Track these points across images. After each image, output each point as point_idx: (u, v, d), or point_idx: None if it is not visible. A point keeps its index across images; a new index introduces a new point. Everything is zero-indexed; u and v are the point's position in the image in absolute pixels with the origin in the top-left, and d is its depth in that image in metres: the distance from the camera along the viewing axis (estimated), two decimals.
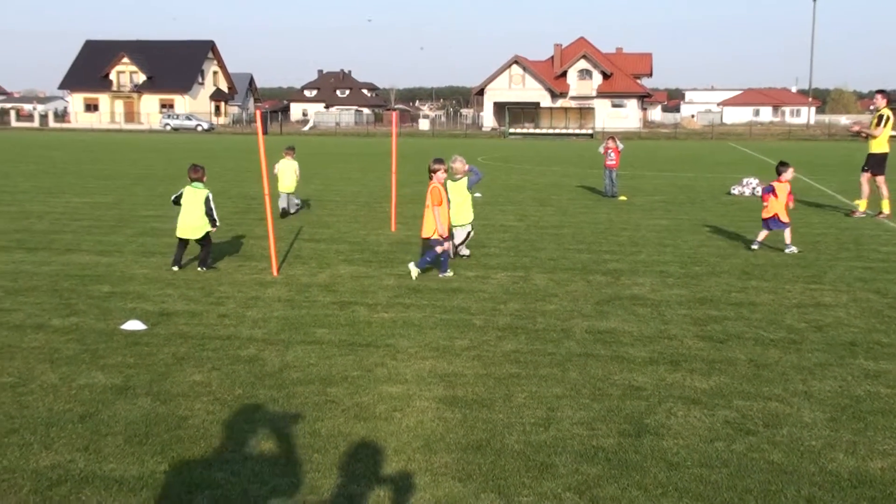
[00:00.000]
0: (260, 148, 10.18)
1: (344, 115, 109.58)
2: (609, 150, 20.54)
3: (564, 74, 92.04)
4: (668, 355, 7.00)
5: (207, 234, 10.49)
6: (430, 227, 10.16)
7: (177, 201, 10.59)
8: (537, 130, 74.41)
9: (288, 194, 16.24)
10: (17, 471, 4.67)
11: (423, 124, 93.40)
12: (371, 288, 9.51)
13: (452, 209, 10.94)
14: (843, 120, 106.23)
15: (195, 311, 8.34)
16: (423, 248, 10.52)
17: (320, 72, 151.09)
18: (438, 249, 10.12)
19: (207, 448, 5.00)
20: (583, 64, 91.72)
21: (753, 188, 20.94)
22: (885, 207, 16.40)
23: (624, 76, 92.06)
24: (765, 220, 12.42)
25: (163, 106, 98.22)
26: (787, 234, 12.28)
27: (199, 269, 10.46)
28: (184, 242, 10.50)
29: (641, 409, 5.73)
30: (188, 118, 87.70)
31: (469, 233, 11.54)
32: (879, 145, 16.55)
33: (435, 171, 10.39)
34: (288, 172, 16.21)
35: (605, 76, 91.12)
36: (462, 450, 5.01)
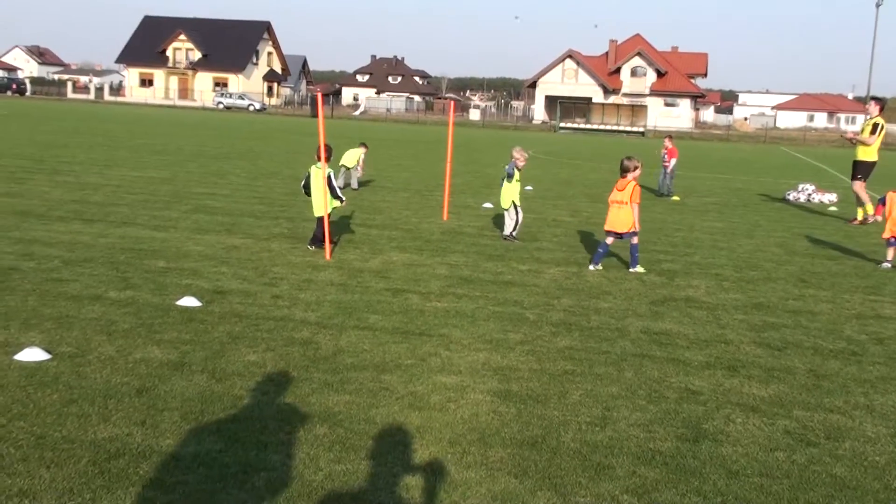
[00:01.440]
0: (320, 129, 10.19)
1: (395, 102, 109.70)
2: (664, 150, 20.42)
3: (618, 71, 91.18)
4: (725, 360, 6.88)
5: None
6: (630, 222, 10.28)
7: (305, 187, 10.87)
8: (588, 126, 73.82)
9: (347, 169, 18.11)
10: (76, 441, 4.72)
11: (474, 114, 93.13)
12: (423, 276, 9.48)
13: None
14: None
15: (249, 291, 8.39)
16: (625, 244, 10.71)
17: (373, 57, 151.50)
18: (635, 241, 10.44)
19: (263, 429, 5.01)
20: (637, 61, 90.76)
21: (809, 194, 20.55)
22: (860, 215, 16.40)
23: (678, 75, 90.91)
24: (887, 239, 11.65)
25: (216, 84, 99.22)
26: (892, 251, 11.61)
27: (308, 246, 10.69)
28: (320, 220, 10.60)
29: (699, 414, 5.63)
30: (241, 97, 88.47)
31: (515, 220, 12.31)
32: (870, 154, 16.38)
33: (634, 170, 10.33)
34: (354, 154, 18.28)
35: (660, 74, 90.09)
36: (517, 445, 4.96)
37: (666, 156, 20.38)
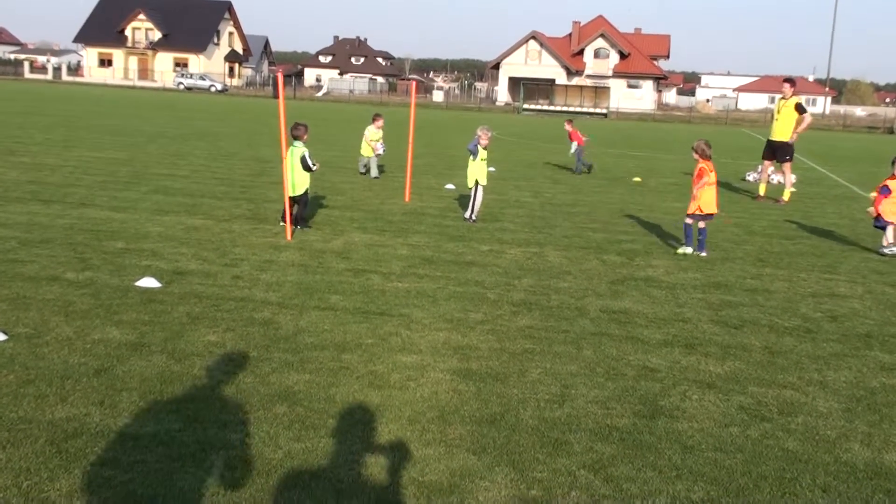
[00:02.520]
0: (280, 110, 10.12)
1: (358, 83, 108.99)
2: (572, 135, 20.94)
3: (581, 52, 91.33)
4: (683, 338, 6.98)
5: (306, 192, 10.91)
6: (713, 202, 10.56)
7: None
8: (552, 107, 73.94)
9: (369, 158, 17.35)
10: (33, 421, 4.68)
11: (437, 96, 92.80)
12: (385, 257, 9.48)
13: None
14: (859, 111, 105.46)
15: (209, 272, 8.33)
16: (696, 228, 10.73)
17: (336, 38, 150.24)
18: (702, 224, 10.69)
19: (222, 408, 5.00)
20: (600, 43, 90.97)
21: (769, 175, 20.80)
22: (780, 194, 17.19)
23: (641, 57, 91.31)
24: (878, 219, 11.50)
25: (177, 64, 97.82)
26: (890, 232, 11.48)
27: (296, 227, 10.74)
28: (292, 200, 10.77)
29: (656, 391, 5.72)
30: (202, 78, 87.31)
31: (473, 199, 12.40)
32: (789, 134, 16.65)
33: (708, 156, 10.53)
34: (373, 136, 17.29)
35: (622, 56, 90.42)
36: (476, 423, 5.00)
37: (570, 139, 20.91)
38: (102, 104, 43.84)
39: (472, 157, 12.28)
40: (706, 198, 10.52)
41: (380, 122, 17.41)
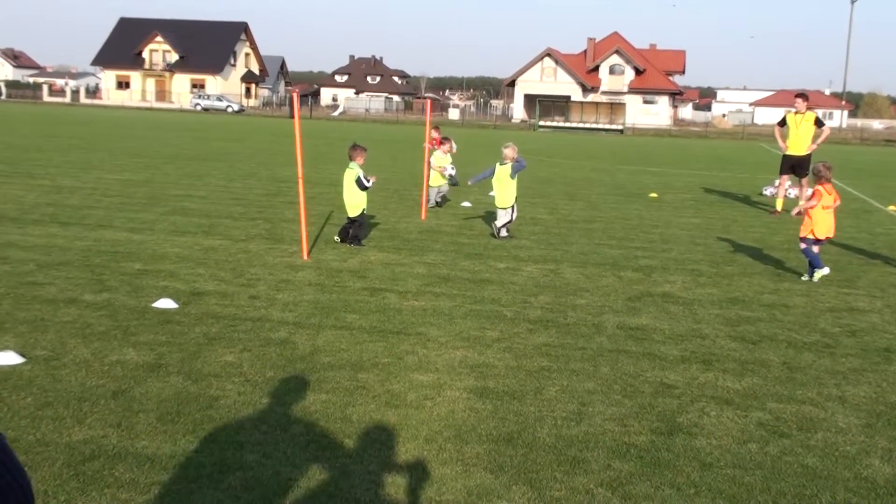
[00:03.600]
0: (296, 130, 10.18)
1: (374, 102, 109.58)
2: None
3: (597, 69, 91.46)
4: (701, 354, 6.94)
5: (362, 213, 11.20)
6: (825, 226, 10.23)
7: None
8: (567, 124, 74.02)
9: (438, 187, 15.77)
10: (51, 444, 4.71)
11: (453, 114, 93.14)
12: (401, 275, 9.50)
13: (496, 192, 12.54)
14: (876, 124, 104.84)
15: (226, 292, 8.37)
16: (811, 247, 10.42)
17: (352, 57, 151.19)
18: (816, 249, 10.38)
19: (239, 429, 5.01)
20: (615, 59, 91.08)
21: (786, 190, 20.70)
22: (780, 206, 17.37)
23: (656, 73, 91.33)
24: None
25: (194, 86, 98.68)
26: None
27: (349, 244, 11.09)
28: (349, 221, 11.22)
29: (674, 408, 5.68)
30: (219, 99, 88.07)
31: (511, 218, 12.45)
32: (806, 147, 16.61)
33: (824, 179, 10.33)
34: (442, 161, 16.02)
35: (638, 72, 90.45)
36: (493, 441, 4.99)
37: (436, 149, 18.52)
38: (120, 126, 44.27)
39: (511, 176, 12.33)
40: (818, 221, 10.20)
41: (448, 146, 16.19)
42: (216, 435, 4.91)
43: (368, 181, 11.09)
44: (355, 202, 11.09)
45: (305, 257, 10.23)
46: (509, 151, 12.44)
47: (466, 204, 16.22)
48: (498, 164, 12.50)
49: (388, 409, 5.42)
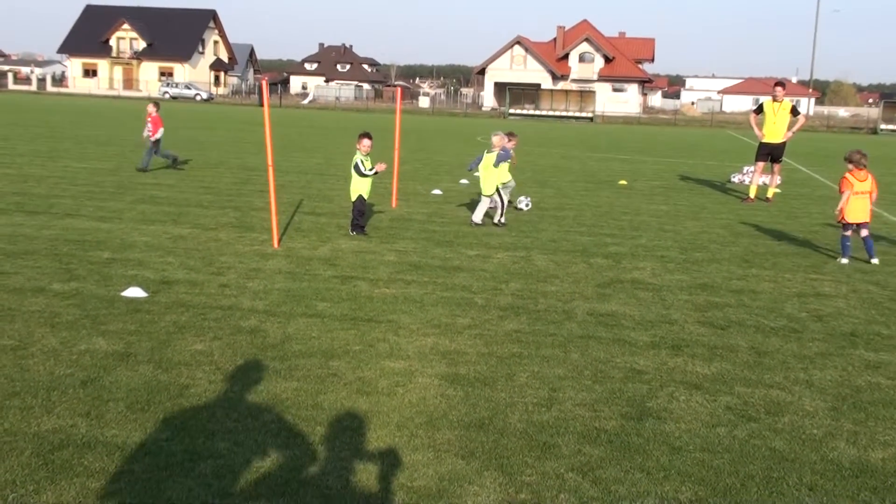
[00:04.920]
0: (265, 118, 10.11)
1: (344, 90, 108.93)
2: (148, 120, 18.25)
3: (566, 57, 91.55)
4: (670, 340, 7.01)
5: (360, 197, 11.18)
6: (859, 211, 10.77)
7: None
8: (537, 112, 74.16)
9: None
10: (19, 434, 4.66)
11: (423, 102, 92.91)
12: (372, 263, 9.48)
13: (480, 179, 12.64)
14: (842, 112, 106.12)
15: (196, 281, 8.31)
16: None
17: (321, 45, 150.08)
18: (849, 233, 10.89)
19: (210, 417, 4.99)
20: (585, 47, 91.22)
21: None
22: (766, 193, 17.56)
23: (626, 61, 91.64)
24: None
25: (162, 74, 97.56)
26: None
27: (350, 232, 11.23)
28: (353, 204, 11.33)
29: (643, 393, 5.74)
30: (187, 87, 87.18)
31: (494, 204, 12.54)
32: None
33: (858, 164, 10.93)
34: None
35: (607, 60, 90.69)
36: (465, 427, 5.01)
37: (150, 125, 18.14)
38: (87, 114, 43.69)
39: (495, 165, 12.39)
40: (852, 207, 10.74)
41: (514, 142, 14.11)
42: (186, 423, 4.88)
43: (367, 168, 11.13)
44: (354, 187, 11.23)
45: (276, 245, 10.18)
46: (496, 139, 12.54)
47: (437, 192, 16.21)
48: (486, 152, 12.60)
49: (360, 397, 5.42)
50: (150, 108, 18.27)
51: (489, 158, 12.44)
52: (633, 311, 7.87)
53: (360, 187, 11.20)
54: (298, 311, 7.40)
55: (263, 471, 4.36)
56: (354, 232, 11.21)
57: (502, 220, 12.58)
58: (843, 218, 10.81)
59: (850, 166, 10.95)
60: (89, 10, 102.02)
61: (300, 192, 15.48)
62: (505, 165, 12.94)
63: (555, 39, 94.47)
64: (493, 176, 12.42)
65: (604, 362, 6.36)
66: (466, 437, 4.88)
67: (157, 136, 18.14)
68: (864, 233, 10.84)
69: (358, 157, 11.16)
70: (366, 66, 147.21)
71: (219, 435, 4.75)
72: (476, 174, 13.21)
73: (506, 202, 12.80)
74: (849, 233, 10.85)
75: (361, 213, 11.28)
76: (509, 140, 13.73)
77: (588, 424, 5.14)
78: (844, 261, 10.70)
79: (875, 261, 10.65)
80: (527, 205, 14.15)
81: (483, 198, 12.53)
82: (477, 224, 12.38)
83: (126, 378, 5.58)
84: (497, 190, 12.51)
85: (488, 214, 12.74)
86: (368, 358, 6.21)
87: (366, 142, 11.22)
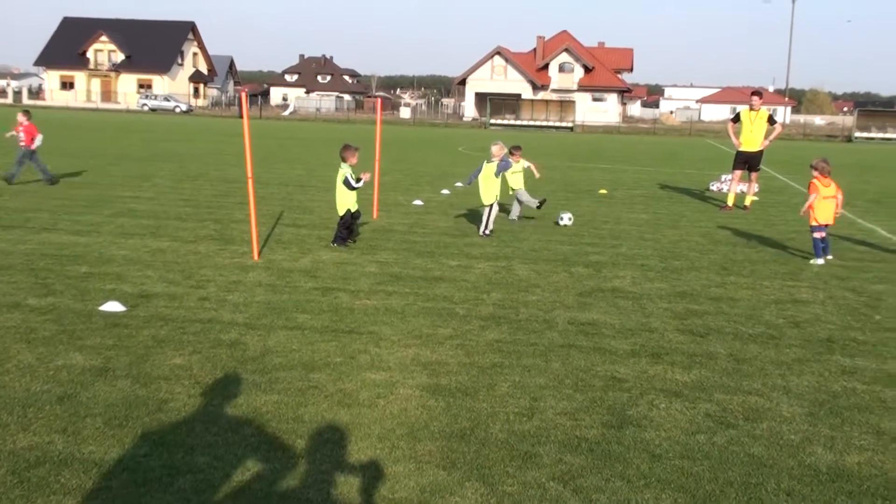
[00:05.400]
0: (245, 130, 10.09)
1: (324, 101, 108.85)
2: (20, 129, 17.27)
3: (546, 67, 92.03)
4: (650, 348, 7.04)
5: (347, 211, 11.17)
6: (824, 213, 11.30)
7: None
8: (518, 122, 74.36)
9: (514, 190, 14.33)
10: None
11: (404, 112, 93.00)
12: (353, 274, 9.47)
13: (480, 189, 12.74)
14: (818, 120, 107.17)
15: (175, 294, 8.27)
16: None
17: (302, 56, 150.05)
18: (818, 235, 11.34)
19: (189, 432, 4.96)
20: (565, 57, 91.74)
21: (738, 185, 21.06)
22: (743, 200, 17.65)
23: (605, 70, 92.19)
24: None
25: (140, 86, 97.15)
26: None
27: (343, 244, 11.21)
28: (341, 218, 11.28)
29: (624, 401, 5.76)
30: (166, 99, 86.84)
31: (490, 212, 12.58)
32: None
33: (821, 171, 11.44)
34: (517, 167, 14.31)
35: (587, 70, 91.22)
36: (446, 438, 5.01)
37: (23, 134, 17.14)
38: (65, 127, 43.40)
39: (496, 174, 12.60)
40: (818, 209, 11.24)
41: (518, 156, 14.42)
42: (165, 438, 4.85)
43: (357, 181, 11.10)
44: (342, 201, 11.18)
45: (256, 258, 10.14)
46: (496, 149, 12.76)
47: (418, 202, 16.22)
48: (485, 162, 12.75)
49: (341, 409, 5.41)
50: (21, 118, 17.26)
51: (489, 168, 12.62)
52: (614, 320, 7.90)
53: (346, 201, 11.18)
54: (279, 323, 7.38)
55: (244, 485, 4.34)
56: (335, 244, 11.19)
57: (488, 230, 12.61)
58: (814, 219, 11.22)
59: (816, 173, 11.45)
60: (67, 22, 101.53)
61: (281, 203, 15.45)
62: (520, 176, 13.77)
63: (535, 50, 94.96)
64: (493, 186, 12.58)
65: (584, 371, 6.38)
66: (448, 447, 4.88)
67: (36, 144, 17.17)
68: (820, 235, 11.36)
69: (348, 171, 11.15)
70: (346, 78, 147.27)
71: (198, 449, 4.72)
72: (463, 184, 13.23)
73: (517, 212, 13.50)
74: (820, 234, 11.20)
75: (347, 227, 11.27)
76: (512, 154, 13.94)
77: (569, 433, 5.15)
78: (820, 262, 11.08)
79: (820, 261, 11.16)
80: (569, 219, 13.93)
81: (485, 209, 12.66)
82: (485, 235, 12.50)
83: (104, 393, 5.54)
84: (496, 199, 12.65)
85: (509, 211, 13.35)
86: (349, 370, 6.20)
87: (353, 153, 11.28)
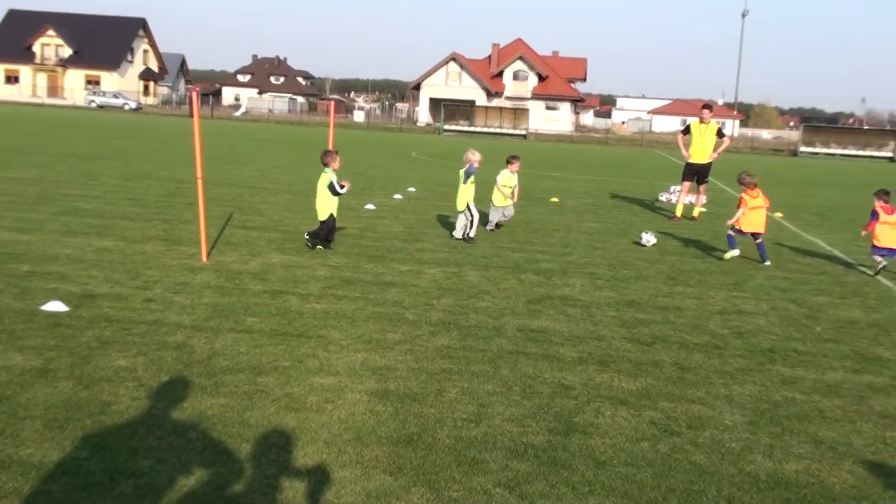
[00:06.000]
0: (195, 130, 9.97)
1: (277, 102, 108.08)
2: None
3: (501, 74, 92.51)
4: (597, 356, 7.11)
5: (330, 216, 11.17)
6: (754, 223, 12.41)
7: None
8: (472, 128, 74.59)
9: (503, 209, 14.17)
10: None
11: (358, 116, 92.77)
12: (303, 278, 9.41)
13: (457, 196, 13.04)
14: (765, 134, 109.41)
15: (120, 295, 8.14)
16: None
17: (255, 57, 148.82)
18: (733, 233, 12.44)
19: (132, 435, 4.89)
20: (519, 65, 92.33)
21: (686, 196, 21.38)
22: (693, 212, 17.94)
23: (559, 79, 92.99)
24: (876, 248, 11.77)
25: (88, 82, 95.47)
26: None
27: (319, 246, 11.21)
28: (321, 223, 11.27)
29: (570, 408, 5.81)
30: (115, 96, 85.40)
31: (468, 220, 12.81)
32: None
33: (747, 184, 12.57)
34: (507, 180, 14.09)
35: (541, 78, 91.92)
36: (393, 443, 5.00)
37: None
38: (8, 122, 42.44)
39: (464, 181, 12.92)
40: (745, 218, 12.33)
41: (516, 165, 14.14)
42: (107, 441, 4.77)
43: (342, 188, 11.11)
44: (324, 206, 11.16)
45: (204, 259, 10.02)
46: (467, 155, 13.36)
47: (370, 206, 16.19)
48: (460, 170, 13.17)
49: (288, 413, 5.38)
50: None
51: (460, 175, 13.02)
52: (563, 327, 7.97)
53: (328, 206, 11.17)
54: (227, 326, 7.31)
55: (188, 489, 4.29)
56: (321, 246, 11.21)
57: (471, 234, 12.82)
58: (739, 227, 12.36)
59: (743, 187, 12.42)
60: (12, 14, 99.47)
61: (231, 204, 15.29)
62: (498, 193, 13.96)
63: (489, 57, 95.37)
64: (462, 192, 12.89)
65: (533, 378, 6.42)
66: (395, 453, 4.88)
67: None
68: (759, 240, 12.36)
69: (333, 177, 11.13)
70: (300, 79, 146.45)
71: (141, 453, 4.65)
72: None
73: (494, 222, 13.90)
74: (732, 232, 12.44)
75: (331, 230, 11.33)
76: (510, 164, 14.16)
77: (516, 440, 5.19)
78: (735, 252, 12.29)
79: (768, 263, 12.09)
80: (649, 239, 13.46)
81: (458, 214, 12.96)
82: (457, 238, 12.83)
83: (44, 395, 5.43)
84: (468, 206, 12.79)
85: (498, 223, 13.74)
86: (297, 374, 6.16)
87: (335, 159, 11.32)
